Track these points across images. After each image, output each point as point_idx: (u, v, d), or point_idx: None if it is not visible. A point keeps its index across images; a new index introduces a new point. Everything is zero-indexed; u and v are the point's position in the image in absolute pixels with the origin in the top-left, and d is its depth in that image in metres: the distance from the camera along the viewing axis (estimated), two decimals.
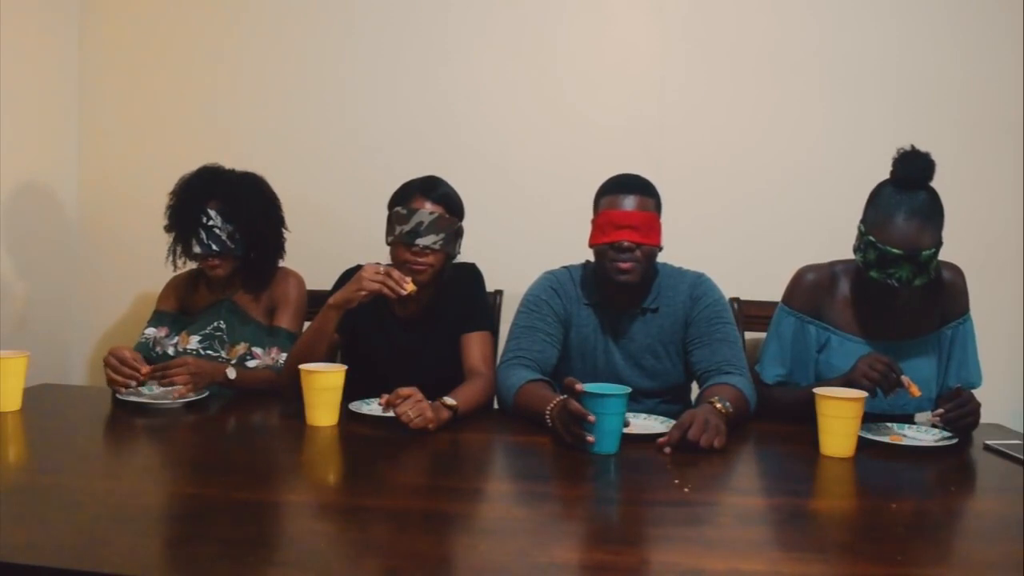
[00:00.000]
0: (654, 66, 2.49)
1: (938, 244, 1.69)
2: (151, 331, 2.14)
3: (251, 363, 2.07)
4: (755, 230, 2.46)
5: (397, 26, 2.55)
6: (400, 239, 1.89)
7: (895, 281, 1.68)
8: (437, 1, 2.54)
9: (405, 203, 1.92)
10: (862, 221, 1.77)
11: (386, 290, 1.77)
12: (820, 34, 2.45)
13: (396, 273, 1.80)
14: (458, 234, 1.98)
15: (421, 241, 1.88)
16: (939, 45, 2.42)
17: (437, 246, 1.89)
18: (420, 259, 1.89)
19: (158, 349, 2.11)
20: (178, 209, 2.09)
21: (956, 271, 1.87)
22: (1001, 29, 2.39)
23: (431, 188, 1.95)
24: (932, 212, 1.69)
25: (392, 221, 1.92)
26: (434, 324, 2.00)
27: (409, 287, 1.78)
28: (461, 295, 2.02)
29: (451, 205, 1.95)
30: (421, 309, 2.01)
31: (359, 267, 1.90)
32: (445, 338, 1.99)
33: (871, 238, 1.70)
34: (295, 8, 2.59)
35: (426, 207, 1.90)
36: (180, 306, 2.21)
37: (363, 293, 1.79)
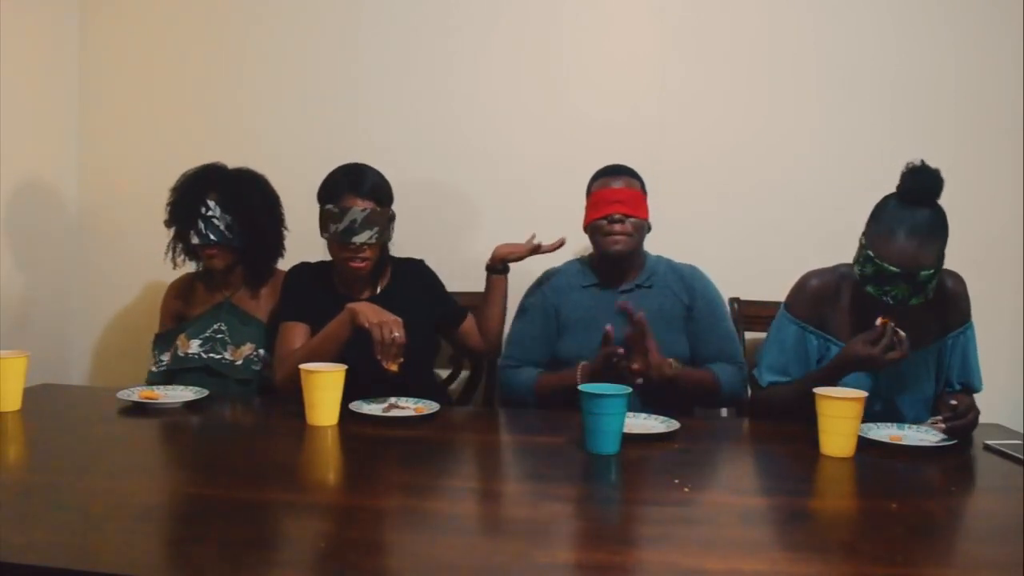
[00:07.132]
0: (654, 65, 2.48)
1: (938, 265, 1.65)
2: (166, 357, 2.12)
3: (259, 368, 2.07)
4: (755, 228, 2.46)
5: (402, 27, 2.55)
6: (335, 238, 1.92)
7: (891, 299, 1.64)
8: (442, 4, 2.54)
9: (336, 201, 1.92)
10: (864, 234, 1.72)
11: (376, 336, 1.76)
12: (819, 33, 2.44)
13: (394, 349, 1.77)
14: (391, 220, 2.00)
15: (357, 239, 1.90)
16: (938, 44, 2.41)
17: (373, 240, 1.92)
18: (358, 255, 1.92)
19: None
20: (178, 202, 2.09)
21: (958, 279, 1.82)
22: (1001, 30, 2.39)
23: (359, 184, 1.94)
24: (934, 230, 1.63)
25: (325, 218, 1.94)
26: (390, 308, 1.89)
27: (393, 367, 1.77)
28: (423, 286, 2.08)
29: (381, 197, 1.96)
30: (373, 295, 2.02)
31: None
32: (405, 323, 1.87)
33: (870, 252, 1.66)
34: (297, 8, 2.59)
35: (358, 204, 1.91)
36: (179, 317, 2.19)
37: (362, 321, 1.78)
